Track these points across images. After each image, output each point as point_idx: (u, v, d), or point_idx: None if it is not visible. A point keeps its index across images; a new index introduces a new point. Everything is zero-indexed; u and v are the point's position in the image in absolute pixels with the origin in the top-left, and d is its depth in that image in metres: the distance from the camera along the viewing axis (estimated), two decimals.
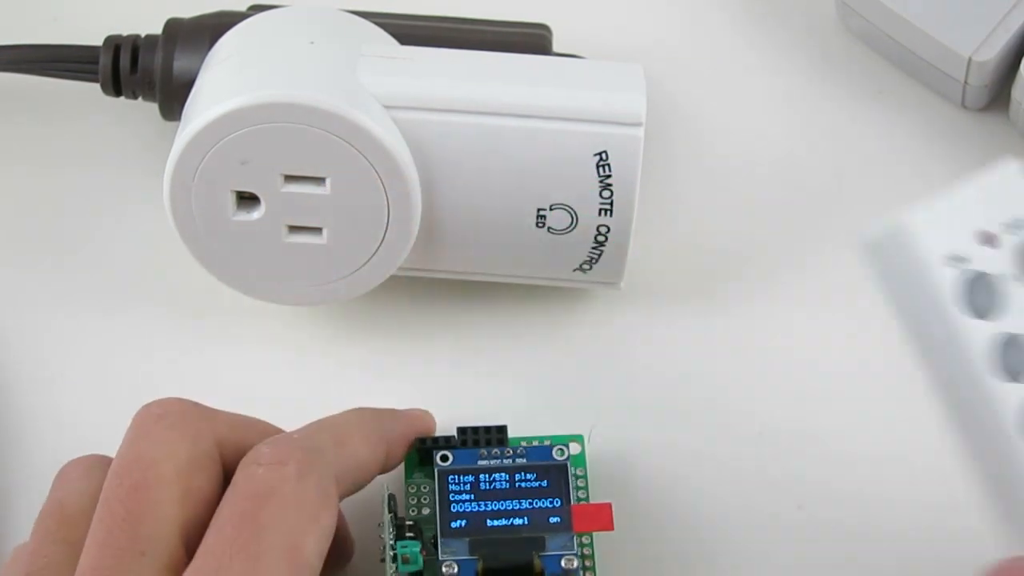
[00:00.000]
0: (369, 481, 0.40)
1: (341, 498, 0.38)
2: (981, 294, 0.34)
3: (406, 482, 0.43)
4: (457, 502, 0.42)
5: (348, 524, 0.42)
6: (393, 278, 0.45)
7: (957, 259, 0.34)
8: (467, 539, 0.41)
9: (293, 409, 0.46)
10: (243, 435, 0.38)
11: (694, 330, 0.48)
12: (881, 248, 0.34)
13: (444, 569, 0.41)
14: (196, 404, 0.39)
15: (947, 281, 0.34)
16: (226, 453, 0.38)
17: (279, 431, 0.40)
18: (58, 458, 0.45)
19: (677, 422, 0.46)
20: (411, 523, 0.41)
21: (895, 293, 0.34)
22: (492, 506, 0.42)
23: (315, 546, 0.36)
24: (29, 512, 0.44)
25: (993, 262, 0.34)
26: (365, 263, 0.44)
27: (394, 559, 0.40)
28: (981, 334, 0.34)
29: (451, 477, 0.42)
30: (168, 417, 0.37)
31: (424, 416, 0.43)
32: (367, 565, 0.43)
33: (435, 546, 0.41)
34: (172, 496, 0.36)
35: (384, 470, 0.41)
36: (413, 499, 0.43)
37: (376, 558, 0.42)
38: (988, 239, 0.34)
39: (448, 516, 0.42)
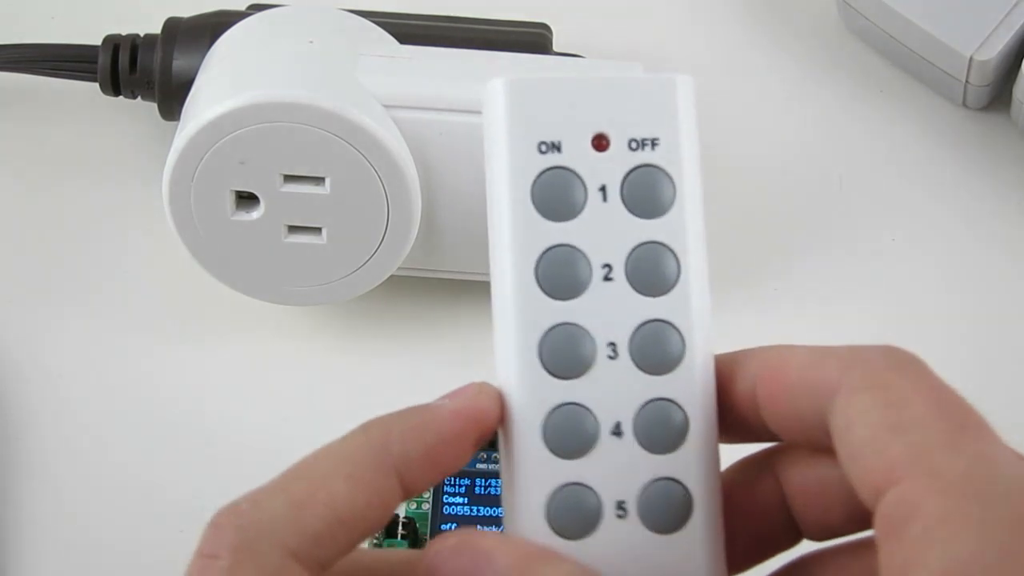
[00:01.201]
0: (373, 528, 0.31)
1: (330, 563, 0.30)
2: (560, 192, 0.31)
3: None
4: (450, 504, 0.42)
5: None
6: (393, 278, 0.45)
7: (552, 146, 0.31)
8: None
9: (293, 409, 0.46)
10: (311, 529, 0.30)
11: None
12: (489, 98, 0.32)
13: None
14: (245, 520, 0.30)
15: (528, 163, 0.31)
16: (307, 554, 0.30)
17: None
18: (58, 458, 0.45)
19: None
20: (405, 520, 0.41)
21: (487, 148, 0.32)
22: (484, 511, 0.42)
23: None
24: (29, 512, 0.44)
25: (588, 166, 0.31)
26: (365, 263, 0.44)
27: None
28: (539, 231, 0.31)
29: (447, 479, 0.42)
30: (221, 556, 0.30)
31: (473, 401, 0.32)
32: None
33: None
34: None
35: (405, 498, 0.31)
36: None
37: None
38: (599, 142, 0.31)
39: (439, 518, 0.41)
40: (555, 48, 0.49)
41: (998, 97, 0.51)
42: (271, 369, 0.47)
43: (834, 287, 0.49)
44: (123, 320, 0.48)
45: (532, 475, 0.31)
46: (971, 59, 0.49)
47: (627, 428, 0.31)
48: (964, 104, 0.51)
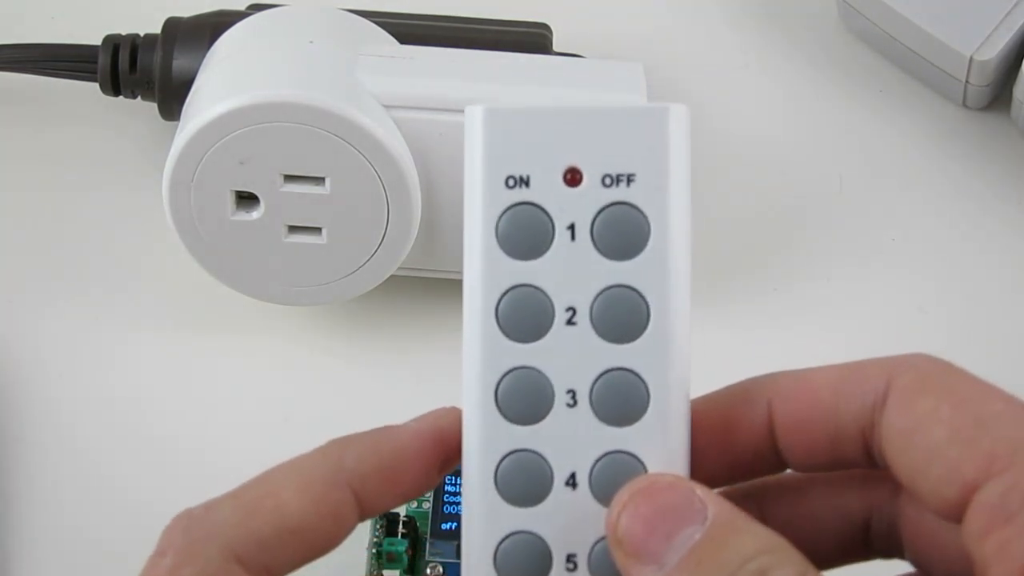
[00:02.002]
0: (326, 542, 0.31)
1: (279, 573, 0.31)
2: (524, 230, 0.30)
3: None
4: (450, 503, 0.42)
5: None
6: (393, 278, 0.45)
7: (520, 181, 0.30)
8: (455, 542, 0.41)
9: (293, 409, 0.46)
10: (258, 534, 0.31)
11: (694, 330, 0.48)
12: (467, 126, 0.30)
13: (429, 570, 0.40)
14: (194, 522, 0.31)
15: (495, 198, 0.30)
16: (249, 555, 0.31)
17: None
18: (57, 458, 0.45)
19: None
20: (406, 519, 0.41)
21: (465, 178, 0.30)
22: None
23: None
24: (29, 513, 0.44)
25: (557, 202, 0.30)
26: (365, 263, 0.44)
27: (378, 556, 0.40)
28: (501, 268, 0.30)
29: (448, 478, 0.42)
30: (167, 554, 0.31)
31: (435, 423, 0.32)
32: (350, 552, 0.42)
33: (425, 545, 0.41)
34: None
35: (363, 516, 0.31)
36: None
37: (360, 544, 0.41)
38: (572, 176, 0.30)
39: (440, 517, 0.41)
40: (555, 48, 0.49)
41: (998, 97, 0.51)
42: (271, 369, 0.47)
43: (834, 287, 0.49)
44: (123, 320, 0.48)
45: (482, 520, 0.30)
46: (971, 59, 0.49)
47: (582, 480, 0.30)
48: (964, 104, 0.51)
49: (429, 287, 0.48)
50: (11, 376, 0.47)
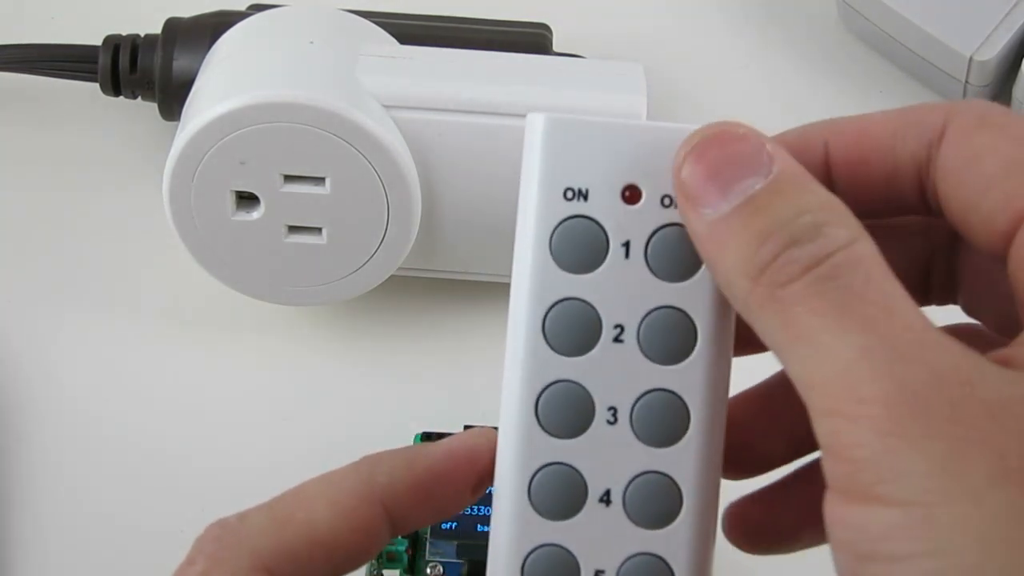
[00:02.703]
0: (357, 557, 0.31)
1: None
2: (579, 244, 0.30)
3: None
4: None
5: None
6: (393, 278, 0.45)
7: (578, 194, 0.30)
8: (455, 542, 0.41)
9: (293, 409, 0.46)
10: (288, 546, 0.31)
11: None
12: (528, 133, 0.30)
13: (429, 570, 0.40)
14: (226, 531, 0.31)
15: (552, 209, 0.30)
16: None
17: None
18: (60, 458, 0.45)
19: None
20: None
21: (521, 184, 0.30)
22: (485, 511, 0.41)
23: None
24: (30, 512, 0.44)
25: (614, 219, 0.30)
26: (365, 263, 0.44)
27: (378, 555, 0.40)
28: (552, 281, 0.30)
29: None
30: (198, 562, 0.30)
31: (468, 442, 0.32)
32: None
33: (425, 544, 0.41)
34: None
35: (395, 533, 0.31)
36: None
37: None
38: (630, 193, 0.30)
39: None
40: (555, 48, 0.49)
41: (998, 97, 0.51)
42: (271, 369, 0.47)
43: None
44: (123, 320, 0.48)
45: (512, 530, 0.30)
46: (971, 59, 0.49)
47: (616, 497, 0.30)
48: None
49: (429, 287, 0.48)
50: (11, 376, 0.47)
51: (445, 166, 0.44)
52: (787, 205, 0.28)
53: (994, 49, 0.49)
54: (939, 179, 0.29)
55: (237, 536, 0.30)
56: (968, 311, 0.32)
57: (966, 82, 0.50)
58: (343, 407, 0.46)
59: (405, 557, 0.40)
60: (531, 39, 0.49)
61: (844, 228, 0.27)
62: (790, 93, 0.52)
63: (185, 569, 0.30)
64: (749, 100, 0.52)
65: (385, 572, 0.41)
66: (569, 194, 0.30)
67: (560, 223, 0.30)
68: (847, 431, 0.26)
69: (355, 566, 0.31)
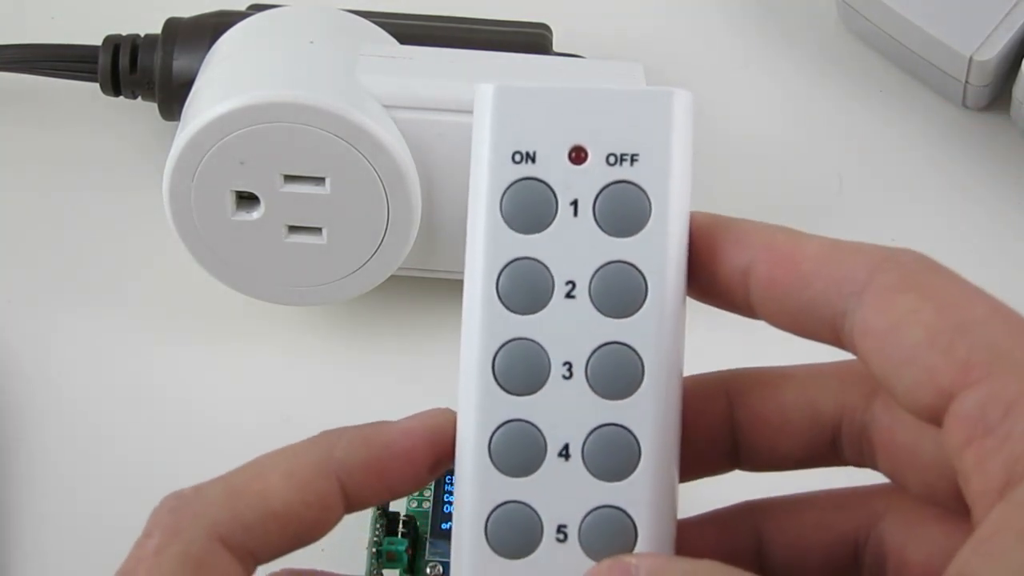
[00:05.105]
0: (312, 530, 0.31)
1: (264, 558, 0.31)
2: (528, 204, 0.30)
3: None
4: (450, 503, 0.42)
5: None
6: (393, 278, 0.45)
7: (526, 156, 0.30)
8: None
9: (293, 409, 0.46)
10: (242, 517, 0.31)
11: (694, 329, 0.48)
12: (477, 103, 0.31)
13: (429, 570, 0.40)
14: (181, 502, 0.31)
15: (501, 173, 0.30)
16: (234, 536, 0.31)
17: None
18: (59, 458, 0.45)
19: None
20: (406, 518, 0.41)
21: (472, 154, 0.31)
22: None
23: None
24: (29, 512, 0.44)
25: (561, 178, 0.30)
26: (365, 263, 0.44)
27: (378, 555, 0.40)
28: (504, 242, 0.30)
29: (448, 477, 0.42)
30: (154, 535, 0.31)
31: (427, 421, 0.32)
32: (350, 551, 0.42)
33: (425, 544, 0.41)
34: None
35: (349, 508, 0.31)
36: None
37: (361, 544, 0.42)
38: (577, 154, 0.30)
39: (440, 516, 0.41)
40: (555, 48, 0.49)
41: (998, 97, 0.51)
42: (271, 369, 0.47)
43: None
44: (123, 320, 0.48)
45: (474, 489, 0.30)
46: (971, 59, 0.49)
47: (575, 451, 0.30)
48: (964, 104, 0.51)
49: (429, 287, 0.48)
50: (11, 376, 0.47)
51: (445, 166, 0.44)
52: None
53: (994, 49, 0.49)
54: (857, 339, 0.29)
55: (192, 507, 0.30)
56: (889, 475, 0.31)
57: (966, 82, 0.50)
58: (343, 407, 0.46)
59: (405, 557, 0.40)
60: (531, 39, 0.49)
61: None
62: (790, 93, 0.52)
63: (142, 542, 0.30)
64: (749, 100, 0.52)
65: (385, 572, 0.41)
66: (517, 157, 0.30)
67: (510, 185, 0.30)
68: None
69: (311, 539, 0.31)
